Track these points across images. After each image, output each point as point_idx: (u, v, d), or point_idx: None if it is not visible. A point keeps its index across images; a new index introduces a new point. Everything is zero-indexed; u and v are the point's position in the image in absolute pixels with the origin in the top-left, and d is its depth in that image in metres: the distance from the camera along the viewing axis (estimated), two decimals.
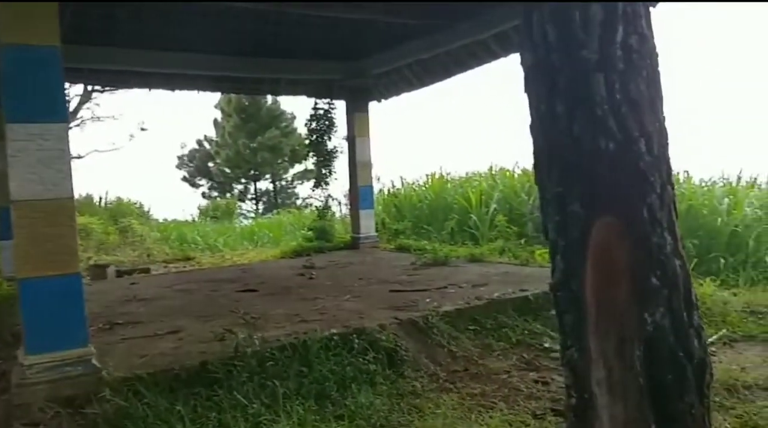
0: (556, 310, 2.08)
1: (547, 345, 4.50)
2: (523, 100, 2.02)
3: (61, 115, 3.37)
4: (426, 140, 39.32)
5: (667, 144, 1.97)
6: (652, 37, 1.94)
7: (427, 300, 5.24)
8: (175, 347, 4.24)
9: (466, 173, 12.91)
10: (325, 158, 10.95)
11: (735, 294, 5.78)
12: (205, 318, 5.10)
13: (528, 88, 2.01)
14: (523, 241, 9.16)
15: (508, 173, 11.66)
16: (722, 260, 7.07)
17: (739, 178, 9.53)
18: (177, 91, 9.41)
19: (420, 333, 4.48)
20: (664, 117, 1.97)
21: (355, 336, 4.19)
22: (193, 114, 57.73)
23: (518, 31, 7.67)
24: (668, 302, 1.88)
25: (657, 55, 1.96)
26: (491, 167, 12.22)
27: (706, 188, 8.99)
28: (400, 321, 4.56)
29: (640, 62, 1.89)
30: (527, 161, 13.43)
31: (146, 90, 9.40)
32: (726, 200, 8.10)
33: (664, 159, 1.94)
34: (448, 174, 13.04)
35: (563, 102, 1.89)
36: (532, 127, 2.02)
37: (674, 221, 1.93)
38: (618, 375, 1.88)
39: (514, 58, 8.27)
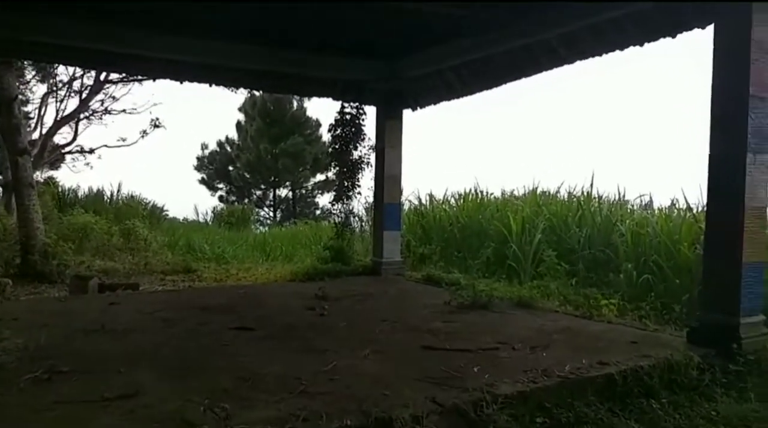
0: None
1: None
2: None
3: None
4: (458, 151, 37.58)
5: None
6: None
7: (475, 369, 3.88)
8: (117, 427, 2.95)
9: (503, 194, 11.54)
10: (349, 169, 9.68)
11: None
12: (176, 374, 3.81)
13: None
14: (574, 281, 7.76)
15: (557, 200, 10.24)
16: None
17: None
18: (187, 84, 8.25)
19: None
20: None
21: None
22: (217, 115, 56.84)
23: (592, 32, 6.39)
24: None
25: None
26: (535, 189, 10.81)
27: None
28: (442, 408, 3.20)
29: None
30: (574, 181, 12.02)
31: (169, 85, 8.29)
32: None
33: None
34: (482, 193, 11.69)
35: None
36: None
37: None
38: None
39: (580, 66, 7.00)
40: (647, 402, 3.63)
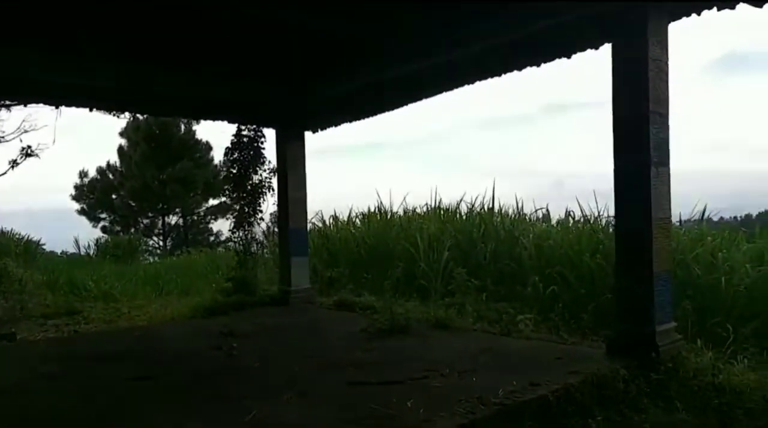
0: None
1: None
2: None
3: None
4: (356, 168, 37.60)
5: None
6: None
7: (409, 404, 3.66)
8: None
9: (405, 212, 11.53)
10: (249, 194, 9.23)
11: None
12: None
13: None
14: (484, 296, 7.80)
15: (459, 216, 10.36)
16: None
17: None
18: (64, 109, 7.54)
19: None
20: None
21: None
22: (96, 141, 53.12)
23: (493, 54, 6.45)
24: None
25: None
26: (438, 206, 10.89)
27: None
28: None
29: None
30: (472, 196, 12.20)
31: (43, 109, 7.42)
32: None
33: None
34: (386, 213, 11.62)
35: None
36: None
37: None
38: None
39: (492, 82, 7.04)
40: (583, 420, 3.59)
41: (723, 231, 7.54)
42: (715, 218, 8.97)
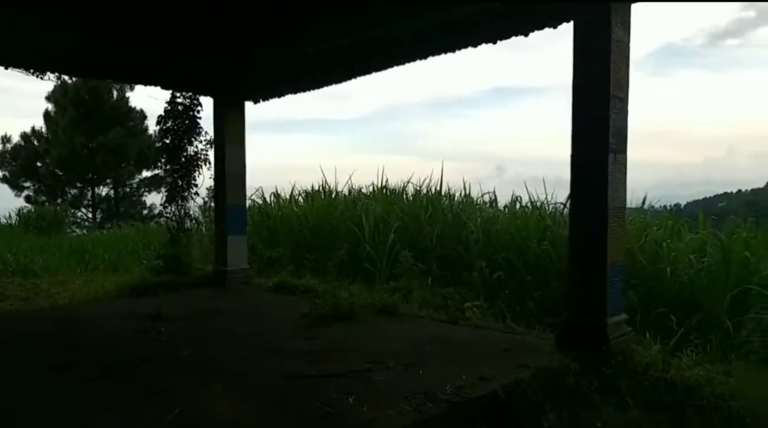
0: None
1: None
2: None
3: None
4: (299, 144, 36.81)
5: None
6: None
7: (351, 400, 3.38)
8: None
9: (350, 191, 11.18)
10: (183, 166, 8.67)
11: None
12: None
13: None
14: (430, 281, 7.60)
15: (406, 197, 10.11)
16: None
17: None
18: None
19: None
20: None
21: None
22: (20, 104, 49.77)
23: (443, 29, 6.15)
24: None
25: None
26: (384, 186, 10.60)
27: None
28: None
29: None
30: (419, 172, 11.91)
31: None
32: None
33: None
34: (330, 191, 11.24)
35: None
36: None
37: None
38: None
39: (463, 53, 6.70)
40: (535, 419, 3.41)
41: (666, 221, 7.59)
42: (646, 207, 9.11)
